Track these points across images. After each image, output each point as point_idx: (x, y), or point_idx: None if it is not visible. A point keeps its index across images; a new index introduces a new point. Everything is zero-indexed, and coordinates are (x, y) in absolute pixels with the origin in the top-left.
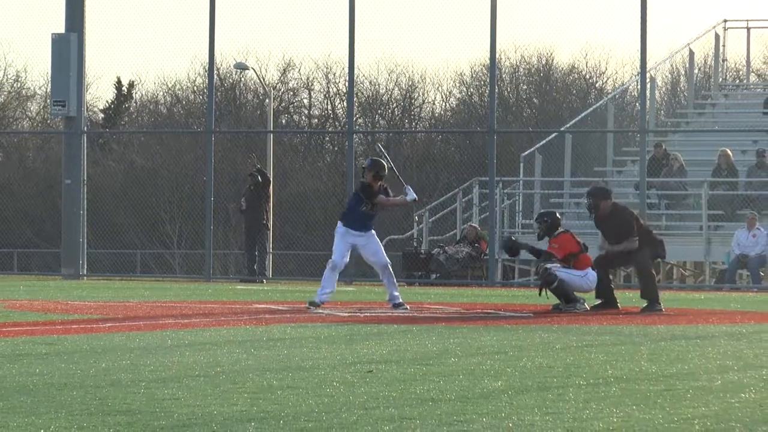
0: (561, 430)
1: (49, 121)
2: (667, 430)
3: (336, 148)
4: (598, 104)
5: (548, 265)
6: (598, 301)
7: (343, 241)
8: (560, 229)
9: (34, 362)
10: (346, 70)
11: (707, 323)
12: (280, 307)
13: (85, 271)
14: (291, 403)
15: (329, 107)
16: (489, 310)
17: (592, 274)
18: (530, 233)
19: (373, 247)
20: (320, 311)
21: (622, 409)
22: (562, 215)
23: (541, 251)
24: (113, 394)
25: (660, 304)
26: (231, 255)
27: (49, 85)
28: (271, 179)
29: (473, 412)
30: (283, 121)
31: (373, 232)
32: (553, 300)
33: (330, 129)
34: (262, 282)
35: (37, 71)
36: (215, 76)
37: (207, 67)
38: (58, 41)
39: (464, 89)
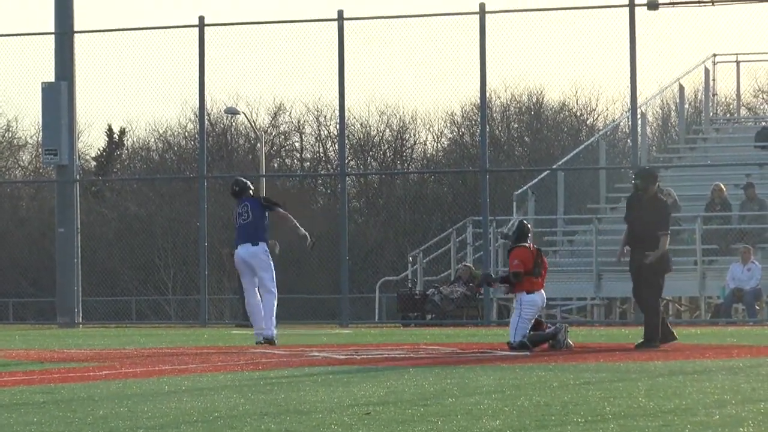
0: None
1: (41, 170)
2: None
3: (329, 191)
4: (589, 141)
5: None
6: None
7: None
8: (523, 243)
9: (32, 411)
10: (337, 112)
11: (704, 358)
12: (276, 351)
13: (80, 319)
14: None
15: (321, 150)
16: (485, 350)
17: (540, 295)
18: None
19: None
20: (316, 354)
21: None
22: (555, 253)
23: (508, 277)
24: None
25: (658, 342)
26: (226, 300)
27: (41, 133)
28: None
29: None
30: (276, 165)
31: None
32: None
33: (322, 172)
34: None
35: (28, 120)
36: (206, 122)
37: (198, 113)
38: (48, 90)
39: (455, 129)
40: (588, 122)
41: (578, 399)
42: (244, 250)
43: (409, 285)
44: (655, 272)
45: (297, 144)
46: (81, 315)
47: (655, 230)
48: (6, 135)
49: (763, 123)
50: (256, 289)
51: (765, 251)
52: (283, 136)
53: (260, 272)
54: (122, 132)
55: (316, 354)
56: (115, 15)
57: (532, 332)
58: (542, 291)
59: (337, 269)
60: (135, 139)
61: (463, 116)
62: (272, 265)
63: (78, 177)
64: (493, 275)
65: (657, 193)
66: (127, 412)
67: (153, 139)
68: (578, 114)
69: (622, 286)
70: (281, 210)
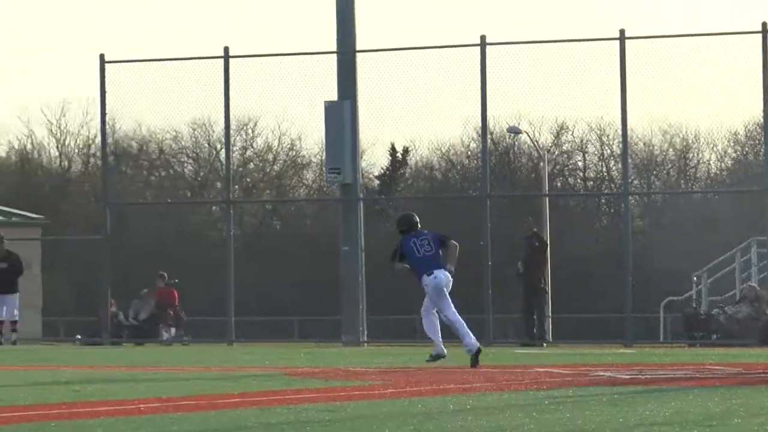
0: None
1: (325, 189)
2: None
3: (612, 210)
4: None
5: None
6: None
7: None
8: None
9: (317, 429)
10: (620, 131)
11: None
12: (560, 371)
13: (365, 338)
14: None
15: (604, 169)
16: None
17: None
18: None
19: None
20: (601, 373)
21: None
22: None
23: None
24: None
25: None
26: (510, 319)
27: (324, 152)
28: (548, 242)
29: None
30: (558, 184)
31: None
32: None
33: (605, 191)
34: (542, 345)
35: (311, 139)
36: (488, 141)
37: (480, 132)
38: (331, 108)
39: (738, 148)
40: None
41: None
42: (444, 276)
43: (694, 305)
44: None
45: (580, 163)
46: (366, 333)
47: None
48: (290, 154)
49: None
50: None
51: None
52: (565, 155)
53: (447, 297)
54: (405, 151)
55: (601, 374)
56: (396, 34)
57: None
58: None
59: (621, 288)
60: (418, 158)
61: (746, 135)
62: None
63: (361, 196)
64: None
65: None
66: (412, 430)
67: (436, 158)
68: None
69: None
70: (453, 241)
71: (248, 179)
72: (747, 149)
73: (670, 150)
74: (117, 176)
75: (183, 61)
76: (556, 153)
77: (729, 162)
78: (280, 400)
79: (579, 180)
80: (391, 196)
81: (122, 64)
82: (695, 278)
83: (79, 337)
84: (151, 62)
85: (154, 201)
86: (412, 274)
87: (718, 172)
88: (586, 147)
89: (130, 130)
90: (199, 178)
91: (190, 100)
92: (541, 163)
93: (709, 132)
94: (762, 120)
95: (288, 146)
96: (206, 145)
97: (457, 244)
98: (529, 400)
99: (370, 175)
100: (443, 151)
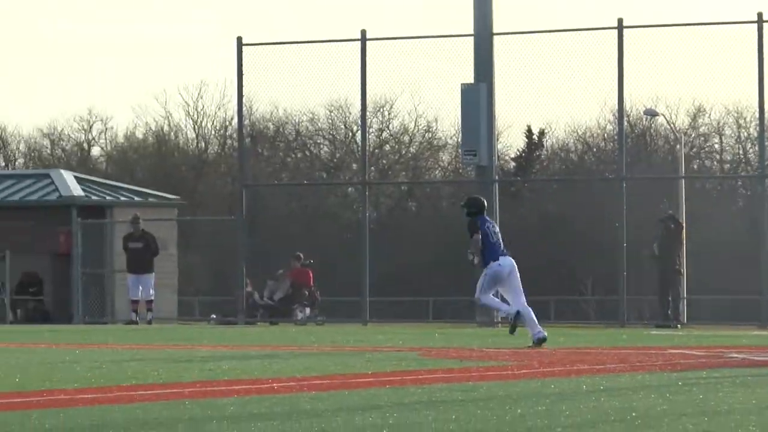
0: None
1: (461, 170)
2: None
3: (748, 193)
4: None
5: None
6: None
7: None
8: None
9: (451, 409)
10: (757, 114)
11: None
12: (694, 353)
13: (499, 318)
14: None
15: (741, 152)
16: None
17: None
18: None
19: None
20: (735, 355)
21: None
22: None
23: None
24: None
25: None
26: (645, 300)
27: (460, 134)
28: (683, 225)
29: None
30: (695, 167)
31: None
32: None
33: (742, 173)
34: (677, 327)
35: (447, 121)
36: (625, 123)
37: (617, 114)
38: (467, 91)
39: None
40: None
41: None
42: (510, 263)
43: None
44: None
45: (716, 146)
46: (499, 314)
47: None
48: (426, 135)
49: None
50: None
51: None
52: (702, 138)
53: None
54: (541, 133)
55: (735, 355)
56: (534, 16)
57: None
58: None
59: (758, 271)
60: (554, 140)
61: None
62: None
63: (497, 177)
64: None
65: None
66: (545, 411)
67: (572, 140)
68: None
69: None
70: None
71: (384, 161)
72: None
73: None
74: (253, 158)
75: (320, 44)
76: (693, 135)
77: None
78: (414, 380)
79: (715, 162)
80: (527, 178)
81: (259, 46)
82: None
83: (214, 316)
84: (288, 45)
85: (290, 182)
86: (478, 257)
87: None
88: (723, 130)
89: (267, 111)
90: (335, 160)
91: (326, 82)
92: (678, 146)
93: None
94: None
95: (424, 128)
96: (342, 126)
97: None
98: (662, 381)
99: (506, 157)
100: (579, 133)
